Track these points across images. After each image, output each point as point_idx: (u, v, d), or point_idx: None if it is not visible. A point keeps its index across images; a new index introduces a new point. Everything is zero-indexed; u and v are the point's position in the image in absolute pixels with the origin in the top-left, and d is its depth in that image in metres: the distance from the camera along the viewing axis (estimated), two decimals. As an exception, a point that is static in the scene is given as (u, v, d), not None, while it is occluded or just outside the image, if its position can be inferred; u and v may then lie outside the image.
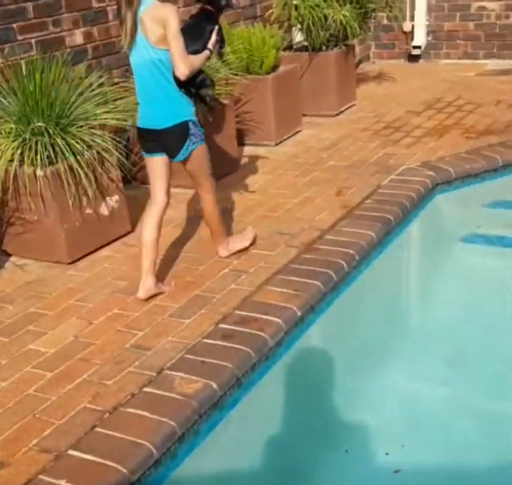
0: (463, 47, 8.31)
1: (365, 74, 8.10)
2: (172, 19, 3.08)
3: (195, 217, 4.27)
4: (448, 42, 8.36)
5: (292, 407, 2.97)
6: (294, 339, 3.19)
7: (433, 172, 4.81)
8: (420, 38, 8.34)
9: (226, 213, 4.15)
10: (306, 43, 6.28)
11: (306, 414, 2.94)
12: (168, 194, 3.43)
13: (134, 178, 4.61)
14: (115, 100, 4.07)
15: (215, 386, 2.63)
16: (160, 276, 3.51)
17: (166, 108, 3.28)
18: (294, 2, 5.96)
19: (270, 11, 6.21)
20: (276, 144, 5.64)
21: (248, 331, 3.00)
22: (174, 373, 2.75)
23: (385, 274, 4.05)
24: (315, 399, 3.04)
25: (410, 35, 8.43)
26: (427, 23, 8.31)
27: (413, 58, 8.56)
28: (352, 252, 3.73)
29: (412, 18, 8.32)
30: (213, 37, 3.38)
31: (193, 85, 3.34)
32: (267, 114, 5.51)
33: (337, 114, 6.43)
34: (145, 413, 2.52)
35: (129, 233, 4.15)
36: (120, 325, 3.18)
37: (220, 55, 3.68)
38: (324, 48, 6.24)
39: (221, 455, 2.62)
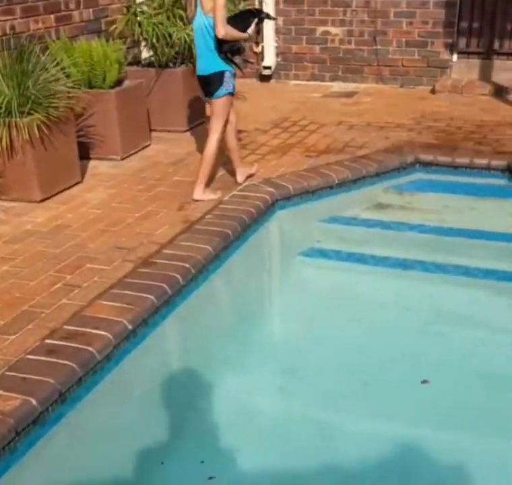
0: (311, 69, 8.70)
1: (217, 92, 8.26)
2: None
3: (28, 232, 4.19)
4: (296, 63, 8.72)
5: (121, 421, 2.98)
6: (126, 353, 3.21)
7: (273, 189, 5.00)
8: (270, 59, 8.63)
9: (62, 229, 4.11)
10: (153, 59, 6.35)
11: (137, 428, 2.95)
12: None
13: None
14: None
15: (34, 402, 2.59)
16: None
17: (209, 61, 4.59)
18: (138, 19, 6.03)
19: (114, 26, 6.22)
20: (122, 158, 5.65)
21: (75, 345, 2.98)
22: (-8, 391, 2.69)
23: (223, 287, 4.17)
24: (147, 411, 3.07)
25: (260, 55, 8.72)
26: (276, 44, 8.63)
27: (264, 78, 8.83)
28: (187, 266, 3.80)
29: (262, 39, 8.62)
30: (253, 26, 4.69)
31: (230, 52, 4.59)
32: (112, 128, 5.51)
33: (186, 130, 6.52)
34: (-40, 434, 2.44)
35: None
36: None
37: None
38: (171, 64, 6.34)
39: (41, 471, 2.59)
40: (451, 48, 8.05)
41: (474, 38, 7.95)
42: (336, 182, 5.28)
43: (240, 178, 5.13)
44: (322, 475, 2.73)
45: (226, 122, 4.81)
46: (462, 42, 8.02)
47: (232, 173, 5.20)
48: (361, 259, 4.58)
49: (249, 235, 4.54)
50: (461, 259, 4.51)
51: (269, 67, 8.67)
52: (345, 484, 2.70)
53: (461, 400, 3.12)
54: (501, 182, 5.40)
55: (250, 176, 5.21)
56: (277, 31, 8.58)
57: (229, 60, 4.64)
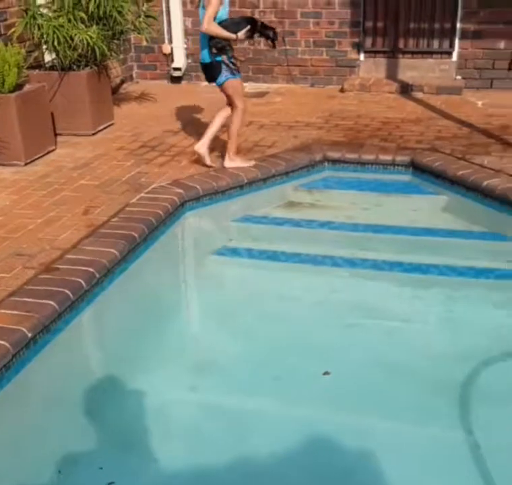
0: (222, 70, 8.70)
1: (128, 94, 8.18)
2: None
3: None
4: (207, 65, 8.70)
5: (21, 428, 2.89)
6: (26, 361, 3.12)
7: (181, 190, 4.96)
8: (179, 61, 8.61)
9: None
10: (56, 62, 6.22)
11: (43, 433, 2.88)
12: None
13: None
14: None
15: None
16: None
17: (207, 50, 5.12)
18: (38, 21, 5.89)
19: (12, 29, 6.05)
20: (26, 164, 5.49)
21: (-30, 356, 2.88)
22: None
23: (131, 290, 4.09)
24: (57, 415, 3.00)
25: (170, 57, 8.68)
26: (185, 46, 8.61)
27: (175, 80, 8.80)
28: (91, 270, 3.73)
29: (171, 41, 8.58)
30: (243, 31, 5.11)
31: (215, 47, 5.05)
32: (13, 133, 5.35)
33: (94, 134, 6.42)
34: None
35: None
36: None
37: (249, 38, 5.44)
38: (75, 67, 6.22)
39: None
40: (358, 47, 8.22)
41: (379, 37, 8.15)
42: (246, 181, 5.29)
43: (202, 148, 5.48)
44: (233, 469, 2.75)
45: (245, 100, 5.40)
46: (368, 42, 8.20)
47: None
48: (273, 256, 4.62)
49: (158, 237, 4.50)
50: (369, 253, 4.60)
51: (179, 69, 8.65)
52: (257, 475, 2.74)
53: (367, 389, 3.20)
54: (405, 177, 5.54)
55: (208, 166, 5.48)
56: (186, 33, 8.57)
57: (216, 55, 5.09)
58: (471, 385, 3.19)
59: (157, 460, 2.80)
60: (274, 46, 5.58)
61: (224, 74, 5.14)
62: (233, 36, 5.07)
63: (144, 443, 2.89)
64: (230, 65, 5.15)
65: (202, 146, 5.46)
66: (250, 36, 5.24)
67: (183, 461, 2.80)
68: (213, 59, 5.09)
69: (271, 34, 5.30)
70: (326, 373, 3.26)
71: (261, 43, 8.42)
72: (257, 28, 5.22)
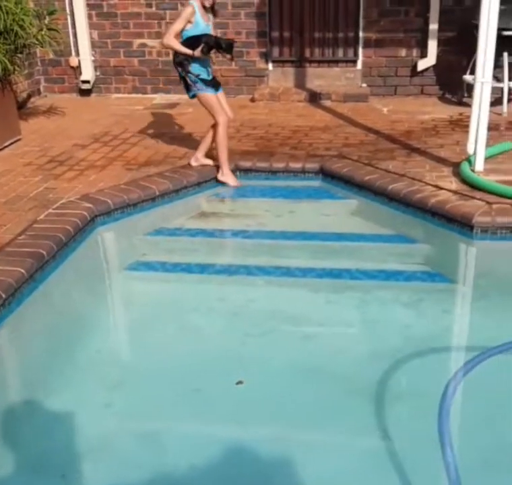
0: (132, 82, 8.64)
1: (35, 108, 8.01)
2: (181, 11, 5.37)
3: None
4: (116, 77, 8.63)
5: None
6: None
7: (91, 204, 4.89)
8: (87, 73, 8.48)
9: None
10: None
11: None
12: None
13: None
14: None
15: None
16: None
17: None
18: None
19: None
20: None
21: None
22: None
23: (41, 309, 3.99)
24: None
25: (78, 70, 8.54)
26: (93, 58, 8.50)
27: (84, 93, 8.67)
28: (-3, 291, 3.62)
29: (78, 53, 8.45)
30: (199, 49, 5.21)
31: (174, 61, 5.42)
32: None
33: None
34: None
35: None
36: None
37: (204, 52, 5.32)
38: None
39: None
40: (266, 57, 8.32)
41: (286, 47, 8.28)
42: (157, 193, 5.26)
43: (193, 162, 5.74)
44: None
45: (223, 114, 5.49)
46: (275, 51, 8.32)
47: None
48: (187, 268, 4.60)
49: (68, 254, 4.42)
50: (282, 260, 4.65)
51: (87, 81, 8.52)
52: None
53: (285, 395, 3.22)
54: (315, 184, 5.64)
55: (204, 165, 5.74)
56: (93, 45, 8.46)
57: (179, 70, 5.38)
58: (385, 385, 3.26)
59: (72, 481, 2.74)
60: (231, 59, 5.61)
61: (194, 88, 5.39)
62: (189, 52, 5.25)
63: (58, 464, 2.82)
64: (194, 79, 5.33)
65: (194, 160, 5.74)
66: (206, 52, 5.30)
67: (100, 481, 2.75)
68: (178, 73, 5.41)
69: (223, 45, 5.37)
70: (239, 382, 3.26)
71: (170, 54, 8.42)
72: (211, 44, 5.30)
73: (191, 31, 5.24)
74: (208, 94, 5.41)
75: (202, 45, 5.24)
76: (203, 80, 5.37)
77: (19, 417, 3.10)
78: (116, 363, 3.60)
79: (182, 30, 5.25)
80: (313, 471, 2.74)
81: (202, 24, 5.26)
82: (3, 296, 3.63)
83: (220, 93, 5.55)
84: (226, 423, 3.06)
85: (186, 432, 3.03)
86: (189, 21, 5.21)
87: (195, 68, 5.32)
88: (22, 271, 3.86)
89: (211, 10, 5.41)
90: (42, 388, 3.29)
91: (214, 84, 5.49)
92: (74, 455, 2.88)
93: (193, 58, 5.29)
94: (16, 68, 6.43)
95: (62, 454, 2.88)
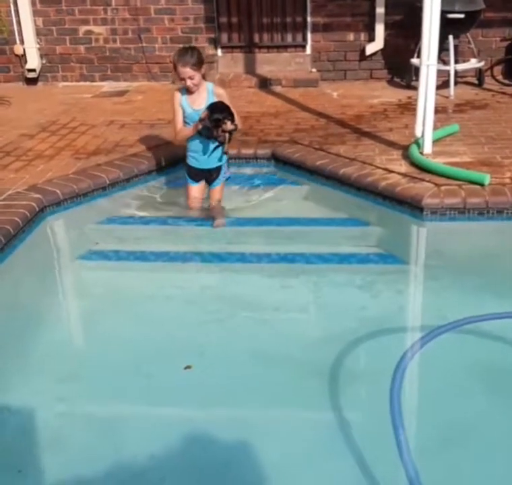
0: (79, 70, 8.50)
1: (-21, 99, 7.81)
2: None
3: None
4: (63, 64, 8.47)
5: None
6: None
7: (40, 195, 4.80)
8: (33, 61, 8.31)
9: None
10: None
11: None
12: None
13: None
14: None
15: None
16: None
17: None
18: None
19: None
20: None
21: None
22: None
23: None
24: None
25: (23, 58, 8.35)
26: (38, 46, 8.32)
27: (30, 81, 8.49)
28: None
29: (23, 41, 8.26)
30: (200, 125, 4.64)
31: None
32: None
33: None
34: None
35: None
36: None
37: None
38: None
39: None
40: (215, 43, 8.26)
41: (235, 32, 8.24)
42: (108, 182, 5.20)
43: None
44: (109, 476, 2.68)
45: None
46: (224, 37, 8.27)
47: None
48: (141, 256, 4.57)
49: (17, 246, 4.33)
50: (236, 246, 4.66)
51: (33, 70, 8.34)
52: (134, 480, 2.67)
53: (241, 379, 3.23)
54: (268, 170, 5.65)
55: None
56: (38, 33, 8.30)
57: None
58: (341, 366, 3.30)
59: (30, 475, 2.70)
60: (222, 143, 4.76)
61: None
62: (192, 130, 4.77)
63: (14, 459, 2.77)
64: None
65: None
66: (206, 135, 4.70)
67: (57, 475, 2.71)
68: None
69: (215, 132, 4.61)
70: (187, 367, 3.27)
71: (117, 41, 8.32)
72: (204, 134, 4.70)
73: (190, 115, 4.78)
74: (189, 185, 5.06)
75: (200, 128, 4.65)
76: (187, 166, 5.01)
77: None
78: (69, 354, 3.54)
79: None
80: (271, 452, 2.75)
81: (188, 110, 4.77)
82: (-50, 290, 3.56)
83: (211, 190, 5.03)
84: (182, 408, 3.05)
85: (141, 421, 3.00)
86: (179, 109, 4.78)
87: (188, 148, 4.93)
88: (-32, 264, 3.79)
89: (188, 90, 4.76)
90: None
91: (195, 176, 5.01)
92: (30, 450, 2.84)
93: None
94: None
95: (17, 449, 2.83)
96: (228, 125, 4.57)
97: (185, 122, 4.82)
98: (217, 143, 4.76)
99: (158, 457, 2.77)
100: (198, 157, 4.91)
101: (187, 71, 4.62)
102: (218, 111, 4.55)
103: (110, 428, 2.97)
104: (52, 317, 4.05)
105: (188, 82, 4.66)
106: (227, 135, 4.65)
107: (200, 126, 4.64)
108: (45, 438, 2.92)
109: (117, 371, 3.33)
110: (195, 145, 4.86)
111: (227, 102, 4.69)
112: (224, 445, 2.84)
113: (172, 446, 2.82)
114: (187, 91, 4.75)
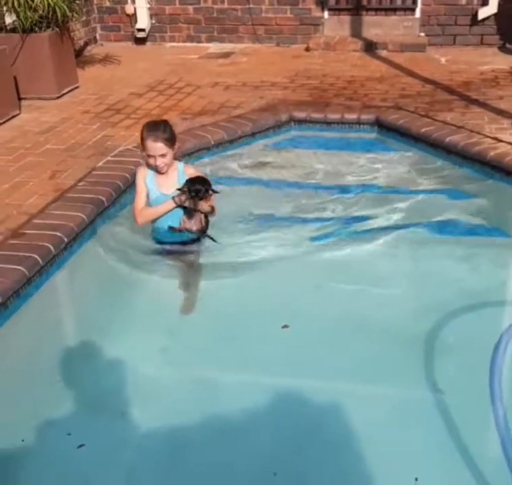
0: (186, 30, 8.60)
1: (92, 56, 8.06)
2: None
3: None
4: (171, 25, 8.60)
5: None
6: (-4, 327, 3.14)
7: (148, 152, 4.94)
8: (143, 21, 8.47)
9: None
10: (17, 24, 6.09)
11: (10, 400, 2.91)
12: None
13: None
14: None
15: None
16: None
17: None
18: (-2, -17, 5.77)
19: (-31, -9, 5.91)
20: (-11, 129, 5.44)
21: None
22: None
23: (100, 254, 4.07)
24: (29, 381, 3.03)
25: (134, 18, 8.53)
26: (149, 6, 8.47)
27: (139, 41, 8.68)
28: (59, 234, 3.74)
29: (134, 1, 8.43)
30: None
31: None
32: (-25, 98, 5.27)
33: (58, 97, 6.34)
34: None
35: None
36: None
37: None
38: (36, 29, 6.10)
39: None
40: (322, 5, 8.16)
41: (343, -6, 8.10)
42: (212, 143, 5.29)
43: None
44: (203, 426, 2.76)
45: None
46: (332, -1, 8.15)
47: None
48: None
49: (128, 201, 4.48)
50: (336, 213, 4.62)
51: (143, 30, 8.52)
52: (228, 431, 2.75)
53: (334, 347, 3.22)
54: (371, 135, 5.57)
55: None
56: (149, -8, 8.42)
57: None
58: (436, 337, 3.27)
59: (132, 418, 2.84)
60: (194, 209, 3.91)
61: None
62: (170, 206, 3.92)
63: (115, 406, 2.89)
64: None
65: None
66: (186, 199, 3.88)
67: (154, 422, 2.80)
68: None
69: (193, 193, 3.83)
70: (285, 326, 3.29)
71: (225, 1, 8.35)
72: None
73: (154, 197, 3.96)
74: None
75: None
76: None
77: (78, 359, 3.19)
78: (168, 312, 3.66)
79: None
80: (361, 421, 2.74)
81: (154, 193, 3.94)
82: (65, 239, 3.75)
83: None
84: (274, 369, 3.07)
85: (234, 379, 3.04)
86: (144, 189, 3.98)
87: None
88: (83, 216, 3.97)
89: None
90: (101, 330, 3.38)
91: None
92: (128, 398, 2.95)
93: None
94: (75, 15, 6.46)
95: (116, 396, 2.95)
96: (204, 206, 3.88)
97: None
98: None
99: (248, 415, 2.81)
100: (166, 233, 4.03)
101: (159, 147, 3.82)
102: (199, 183, 3.85)
103: (205, 383, 3.04)
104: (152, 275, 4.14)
105: (159, 161, 3.85)
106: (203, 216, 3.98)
107: (183, 198, 3.84)
108: (144, 387, 3.02)
109: (214, 330, 3.40)
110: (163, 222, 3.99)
111: None
112: (312, 410, 2.85)
113: (262, 406, 2.86)
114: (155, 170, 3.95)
